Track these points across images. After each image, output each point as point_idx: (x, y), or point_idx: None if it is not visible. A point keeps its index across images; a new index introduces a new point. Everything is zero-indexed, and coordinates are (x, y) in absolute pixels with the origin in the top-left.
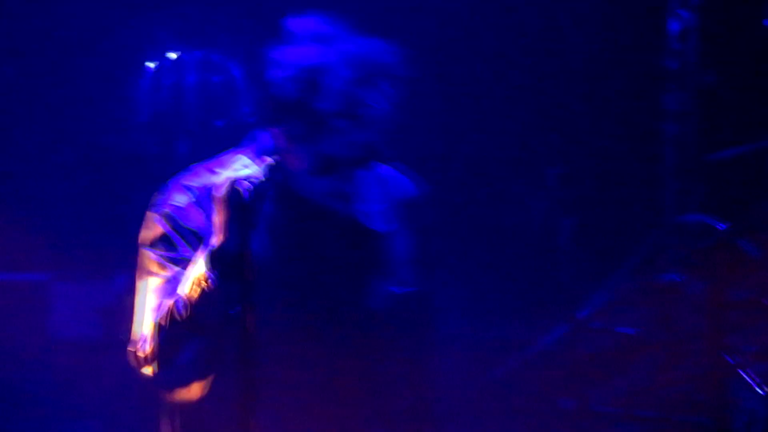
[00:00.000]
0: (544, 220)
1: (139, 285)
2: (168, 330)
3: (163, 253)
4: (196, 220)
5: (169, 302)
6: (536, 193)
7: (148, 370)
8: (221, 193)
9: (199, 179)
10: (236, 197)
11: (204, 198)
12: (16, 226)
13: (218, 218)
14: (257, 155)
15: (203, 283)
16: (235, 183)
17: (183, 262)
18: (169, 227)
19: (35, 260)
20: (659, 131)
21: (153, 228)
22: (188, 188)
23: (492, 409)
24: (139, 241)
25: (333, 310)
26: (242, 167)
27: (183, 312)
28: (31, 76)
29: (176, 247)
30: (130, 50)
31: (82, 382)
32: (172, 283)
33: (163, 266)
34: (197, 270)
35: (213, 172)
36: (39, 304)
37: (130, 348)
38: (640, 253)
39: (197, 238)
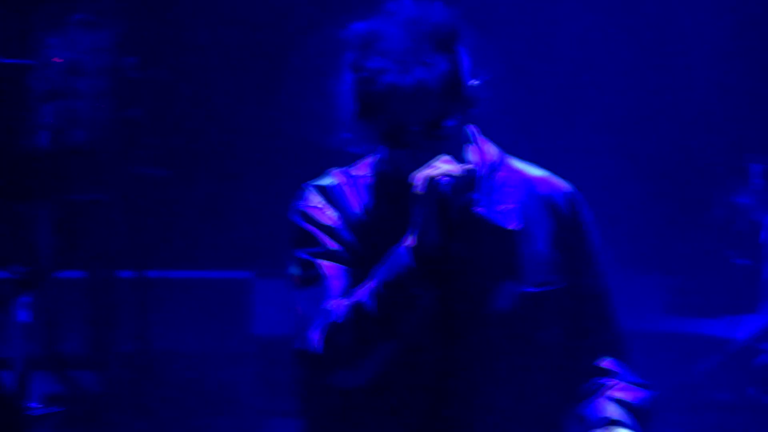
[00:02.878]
0: (747, 215)
1: (296, 293)
2: (352, 331)
3: (311, 249)
4: (330, 219)
5: (343, 302)
6: (739, 189)
7: (323, 371)
8: (421, 189)
9: (333, 180)
10: (437, 193)
11: (338, 197)
12: (218, 224)
13: (417, 215)
14: (377, 161)
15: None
16: (435, 179)
17: (334, 255)
18: (310, 225)
19: (238, 258)
20: None
21: (296, 230)
22: (322, 189)
23: (692, 405)
24: (288, 247)
25: (462, 310)
26: (442, 164)
27: (373, 308)
28: (238, 71)
29: (320, 244)
30: (337, 45)
31: (283, 380)
32: (330, 281)
33: (313, 264)
34: (391, 265)
35: (347, 175)
36: (241, 302)
37: (300, 348)
38: None
39: (335, 235)
